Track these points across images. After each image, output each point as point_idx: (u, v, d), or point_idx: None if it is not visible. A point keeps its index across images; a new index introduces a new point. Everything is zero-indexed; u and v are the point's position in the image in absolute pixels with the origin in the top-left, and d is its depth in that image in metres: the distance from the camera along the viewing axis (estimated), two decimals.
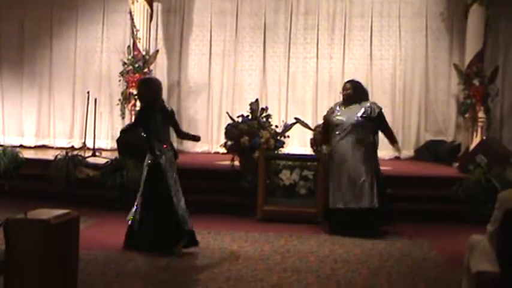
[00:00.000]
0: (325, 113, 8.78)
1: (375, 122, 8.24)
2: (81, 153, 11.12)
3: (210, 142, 13.29)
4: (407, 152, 13.04)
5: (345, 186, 8.08)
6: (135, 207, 7.10)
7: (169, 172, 7.03)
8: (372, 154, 8.30)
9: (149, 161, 7.01)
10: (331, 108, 8.52)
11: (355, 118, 8.12)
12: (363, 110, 8.17)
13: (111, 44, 13.52)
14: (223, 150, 10.24)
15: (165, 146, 7.08)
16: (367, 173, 8.09)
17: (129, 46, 12.25)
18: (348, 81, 8.65)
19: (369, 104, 8.30)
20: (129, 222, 7.11)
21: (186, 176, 7.47)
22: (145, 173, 7.06)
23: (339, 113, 8.27)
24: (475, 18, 11.54)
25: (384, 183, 8.43)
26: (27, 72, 13.80)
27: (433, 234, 8.34)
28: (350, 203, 8.05)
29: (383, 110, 8.40)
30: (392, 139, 8.53)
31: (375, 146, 8.42)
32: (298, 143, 12.47)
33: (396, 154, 12.84)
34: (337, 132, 8.20)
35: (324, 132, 8.66)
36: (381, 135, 8.53)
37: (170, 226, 6.92)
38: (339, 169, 8.14)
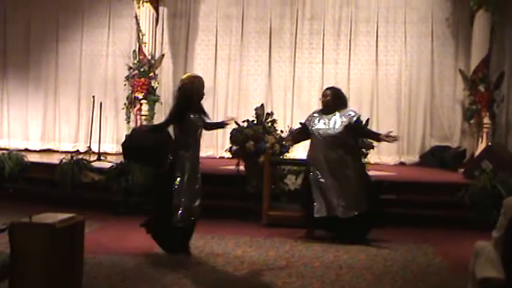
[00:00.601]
0: None
1: (355, 129, 8.06)
2: (86, 157, 11.11)
3: (215, 147, 13.26)
4: (413, 157, 13.01)
5: (332, 193, 7.91)
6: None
7: None
8: (356, 158, 8.21)
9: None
10: (311, 116, 8.31)
11: (336, 128, 7.95)
12: (343, 118, 7.98)
13: (117, 48, 13.52)
14: (229, 155, 10.24)
15: None
16: (355, 178, 7.97)
17: (134, 50, 12.25)
18: (328, 88, 8.49)
19: (348, 113, 8.09)
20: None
21: None
22: None
23: (318, 122, 8.10)
24: (480, 24, 11.53)
25: (373, 185, 8.32)
26: (33, 75, 13.83)
27: (438, 240, 8.32)
28: (338, 211, 7.88)
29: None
30: (376, 137, 8.36)
31: (359, 149, 8.32)
32: (304, 148, 12.36)
33: (402, 159, 12.88)
34: (319, 141, 8.05)
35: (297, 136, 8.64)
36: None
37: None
38: (323, 177, 7.96)
